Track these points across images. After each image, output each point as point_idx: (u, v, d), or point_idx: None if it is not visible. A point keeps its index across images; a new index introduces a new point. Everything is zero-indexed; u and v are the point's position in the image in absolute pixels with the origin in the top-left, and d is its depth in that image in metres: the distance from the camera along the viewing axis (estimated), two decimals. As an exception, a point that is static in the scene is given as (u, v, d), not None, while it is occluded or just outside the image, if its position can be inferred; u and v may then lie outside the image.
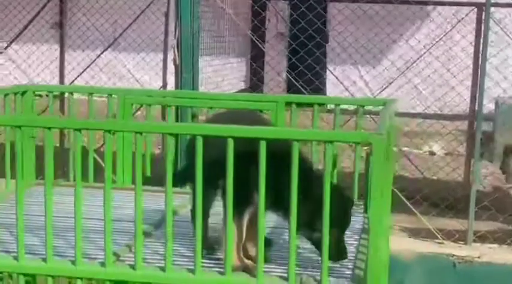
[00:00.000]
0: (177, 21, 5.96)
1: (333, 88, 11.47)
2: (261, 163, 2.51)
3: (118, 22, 8.59)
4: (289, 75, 8.77)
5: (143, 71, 8.83)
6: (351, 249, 3.01)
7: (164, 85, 7.87)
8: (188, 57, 5.96)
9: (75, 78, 7.63)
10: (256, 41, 7.58)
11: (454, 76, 8.82)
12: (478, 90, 6.40)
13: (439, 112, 10.38)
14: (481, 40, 6.30)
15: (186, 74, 5.96)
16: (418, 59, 8.64)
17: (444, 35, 8.81)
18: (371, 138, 2.48)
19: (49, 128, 2.66)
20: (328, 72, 11.83)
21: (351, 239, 3.17)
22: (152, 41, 8.38)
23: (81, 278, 2.72)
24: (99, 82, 8.77)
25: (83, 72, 7.70)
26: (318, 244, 2.58)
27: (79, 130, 2.67)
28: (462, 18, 7.67)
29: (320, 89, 11.53)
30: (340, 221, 2.60)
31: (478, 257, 5.59)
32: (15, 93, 3.91)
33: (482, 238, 5.86)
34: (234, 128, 2.54)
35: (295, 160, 2.53)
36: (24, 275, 2.74)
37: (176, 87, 6.15)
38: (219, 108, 3.77)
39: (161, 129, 2.84)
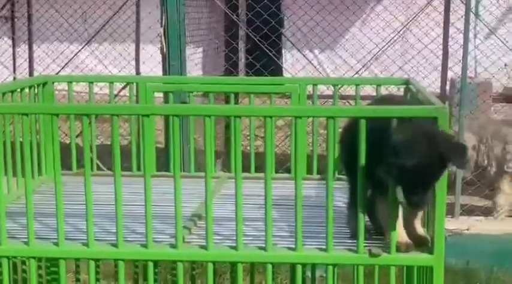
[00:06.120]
0: (163, 9, 5.99)
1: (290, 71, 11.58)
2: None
3: (87, 13, 8.56)
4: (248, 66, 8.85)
5: (116, 61, 8.79)
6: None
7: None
8: (175, 45, 6.00)
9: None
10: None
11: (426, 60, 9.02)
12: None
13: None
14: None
15: (174, 61, 6.00)
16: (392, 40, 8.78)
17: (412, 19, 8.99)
18: (436, 112, 2.60)
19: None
20: (284, 56, 11.97)
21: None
22: (124, 30, 8.34)
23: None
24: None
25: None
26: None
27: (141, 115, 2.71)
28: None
29: (277, 73, 11.64)
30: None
31: (467, 229, 5.81)
32: (30, 87, 3.86)
33: (468, 211, 6.08)
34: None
35: (362, 137, 2.63)
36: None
37: (164, 75, 6.18)
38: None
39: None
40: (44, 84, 3.90)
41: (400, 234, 2.72)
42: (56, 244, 2.77)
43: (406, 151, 2.47)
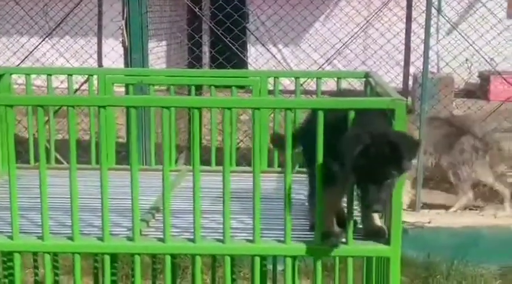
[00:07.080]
0: (125, 2, 5.93)
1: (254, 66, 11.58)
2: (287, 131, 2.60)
3: (49, 5, 8.46)
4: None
5: (78, 54, 8.70)
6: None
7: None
8: (137, 38, 5.95)
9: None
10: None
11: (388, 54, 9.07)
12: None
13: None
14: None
15: (136, 54, 5.95)
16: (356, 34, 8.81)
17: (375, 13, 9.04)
18: (394, 104, 2.60)
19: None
20: (249, 51, 11.98)
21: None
22: (85, 23, 8.25)
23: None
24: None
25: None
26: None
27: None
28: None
29: (241, 67, 11.63)
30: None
31: (428, 222, 5.86)
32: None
33: (429, 204, 6.13)
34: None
35: (320, 129, 2.63)
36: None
37: (126, 68, 6.12)
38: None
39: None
40: (1, 76, 3.84)
41: (328, 224, 2.73)
42: (10, 237, 2.73)
43: (358, 142, 2.45)
